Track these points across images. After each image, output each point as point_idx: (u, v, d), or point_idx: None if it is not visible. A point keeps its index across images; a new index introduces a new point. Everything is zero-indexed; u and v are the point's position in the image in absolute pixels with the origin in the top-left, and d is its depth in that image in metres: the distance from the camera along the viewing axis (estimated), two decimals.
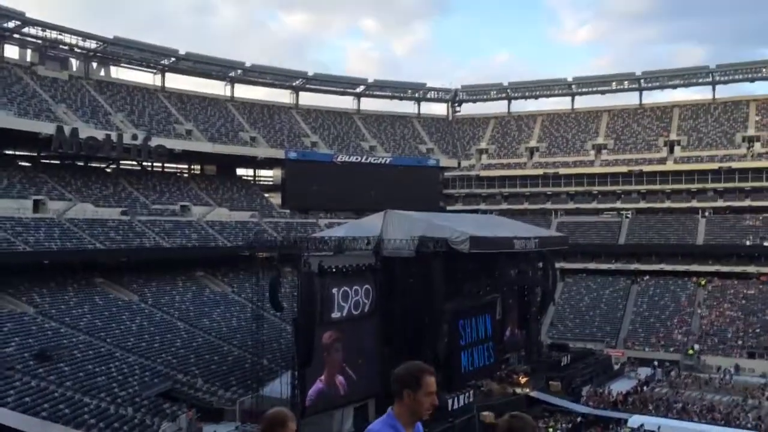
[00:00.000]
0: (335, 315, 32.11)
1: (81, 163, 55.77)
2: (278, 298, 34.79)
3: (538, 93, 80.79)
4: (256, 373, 36.39)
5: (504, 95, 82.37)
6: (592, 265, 63.47)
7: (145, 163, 60.05)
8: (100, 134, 51.70)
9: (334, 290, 31.97)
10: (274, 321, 43.89)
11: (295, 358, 31.98)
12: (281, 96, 78.29)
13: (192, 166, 66.83)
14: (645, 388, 43.73)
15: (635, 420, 35.84)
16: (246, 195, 65.89)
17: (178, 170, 65.79)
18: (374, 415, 33.29)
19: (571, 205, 70.09)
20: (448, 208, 71.44)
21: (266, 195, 68.57)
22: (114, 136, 52.40)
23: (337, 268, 32.19)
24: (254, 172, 72.34)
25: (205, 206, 59.38)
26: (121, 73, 65.40)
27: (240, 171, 70.55)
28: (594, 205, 69.31)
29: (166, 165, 63.01)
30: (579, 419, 36.90)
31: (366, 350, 33.83)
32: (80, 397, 31.97)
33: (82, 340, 37.74)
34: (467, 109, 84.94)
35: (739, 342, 51.08)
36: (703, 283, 59.11)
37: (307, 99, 78.68)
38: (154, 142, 55.01)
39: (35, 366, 33.13)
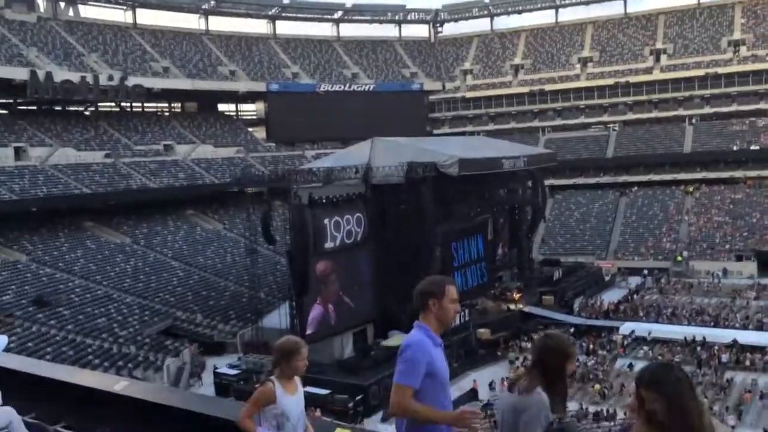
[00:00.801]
0: (328, 245, 32.28)
1: (59, 108, 54.64)
2: (270, 232, 34.89)
3: (520, 8, 78.93)
4: (254, 306, 36.90)
5: (486, 12, 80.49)
6: (581, 180, 63.73)
7: (123, 104, 58.92)
8: (75, 77, 50.48)
9: (326, 221, 32.03)
10: (267, 254, 44.16)
11: (291, 289, 32.38)
12: (258, 26, 76.26)
13: (172, 104, 65.63)
14: (635, 296, 44.69)
15: (626, 327, 36.84)
16: (230, 130, 65.07)
17: (159, 109, 64.64)
18: (372, 339, 34.05)
19: (558, 122, 69.75)
20: (435, 131, 71.00)
21: (250, 129, 67.74)
22: (90, 78, 51.21)
23: (327, 199, 32.16)
24: (236, 106, 71.17)
25: (189, 144, 58.69)
26: (89, 11, 63.45)
27: (222, 106, 69.39)
28: (581, 119, 68.97)
29: (145, 104, 61.84)
30: (572, 330, 37.84)
31: (361, 277, 34.24)
32: (82, 339, 32.45)
33: (78, 284, 37.98)
34: (449, 30, 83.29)
35: (727, 246, 51.96)
36: (691, 190, 59.62)
37: (285, 28, 76.86)
38: (131, 81, 53.83)
39: (34, 312, 33.44)
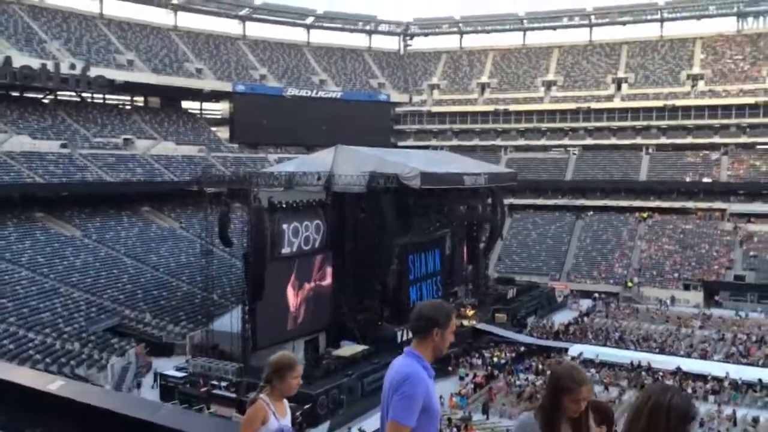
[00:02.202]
0: (285, 250, 32.05)
1: (16, 94, 53.12)
2: (228, 234, 34.45)
3: (489, 27, 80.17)
4: (206, 308, 36.30)
5: (456, 29, 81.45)
6: (539, 201, 64.72)
7: (84, 95, 57.59)
8: (35, 63, 49.25)
9: (285, 226, 31.81)
10: (223, 256, 43.61)
11: (245, 293, 31.97)
12: (228, 26, 75.60)
13: (134, 98, 64.44)
14: (585, 318, 45.44)
15: (575, 349, 37.37)
16: (192, 129, 64.21)
17: (120, 102, 63.36)
18: (324, 348, 33.82)
19: (520, 142, 70.76)
20: (399, 143, 71.25)
21: (214, 129, 66.94)
22: (50, 65, 50.01)
23: (287, 204, 31.95)
24: (201, 105, 70.27)
25: (150, 140, 57.70)
26: None
27: (186, 104, 68.42)
28: (543, 141, 70.11)
29: (107, 97, 60.57)
30: (522, 349, 38.25)
31: (317, 285, 34.02)
32: (24, 333, 31.47)
33: (25, 276, 36.86)
34: (419, 43, 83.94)
35: (676, 274, 53.28)
36: (644, 217, 61.04)
37: (255, 29, 76.36)
38: (94, 72, 52.71)
39: None
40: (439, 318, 3.39)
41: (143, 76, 58.51)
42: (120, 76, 55.86)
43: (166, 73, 61.00)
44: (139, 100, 64.86)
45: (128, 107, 63.48)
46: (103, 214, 48.23)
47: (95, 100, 59.85)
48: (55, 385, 4.41)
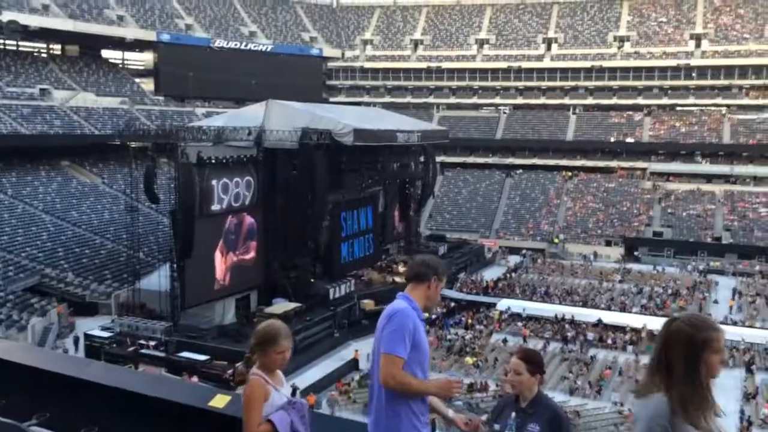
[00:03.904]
0: (215, 207, 31.32)
1: None
2: (154, 190, 33.27)
3: None
4: (132, 266, 35.23)
5: None
6: (470, 159, 65.50)
7: None
8: None
9: (214, 182, 31.03)
10: (149, 213, 42.29)
11: (173, 251, 31.17)
12: None
13: (51, 46, 60.73)
14: (513, 274, 46.70)
15: (503, 304, 38.45)
16: (114, 79, 61.34)
17: (36, 50, 59.69)
18: (256, 305, 33.53)
19: (452, 100, 71.08)
20: (331, 99, 70.35)
21: (137, 80, 64.09)
22: None
23: (216, 159, 31.12)
24: (123, 54, 66.92)
25: (68, 90, 54.80)
26: None
27: (106, 53, 65.04)
28: (474, 100, 70.64)
29: (20, 43, 56.88)
30: (453, 304, 39.01)
31: (247, 242, 33.51)
32: None
33: None
34: None
35: (599, 231, 55.26)
36: (570, 176, 62.76)
37: None
38: (6, 16, 49.33)
39: None
40: (438, 268, 3.56)
41: (60, 22, 55.13)
42: (34, 21, 52.42)
43: (84, 19, 57.69)
44: (56, 47, 61.21)
45: (44, 55, 59.87)
46: (19, 168, 45.76)
47: (8, 47, 56.14)
48: None
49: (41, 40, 58.21)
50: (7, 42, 55.10)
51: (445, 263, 3.71)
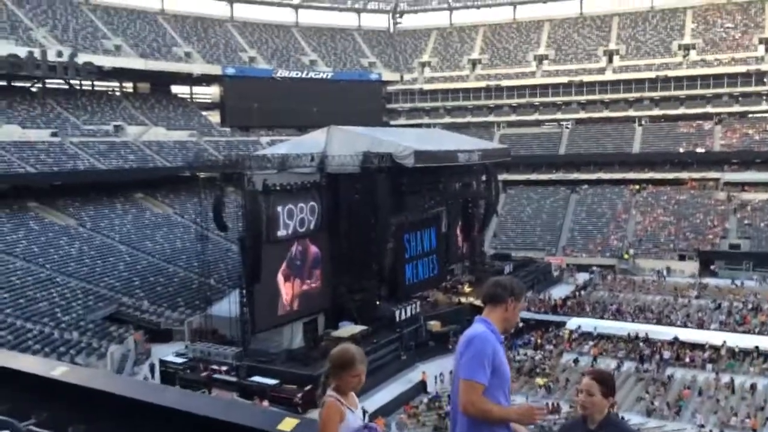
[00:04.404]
0: (281, 233, 31.97)
1: (4, 83, 52.54)
2: (222, 218, 34.30)
3: (479, 2, 79.50)
4: (203, 292, 36.29)
5: (446, 5, 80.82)
6: (533, 176, 64.68)
7: (73, 82, 56.97)
8: (21, 51, 48.64)
9: (279, 208, 31.70)
10: (219, 241, 43.48)
11: (242, 277, 31.94)
12: (215, 8, 74.69)
13: (123, 84, 63.84)
14: (582, 292, 45.64)
15: (573, 322, 37.59)
16: (183, 113, 63.74)
17: (110, 88, 62.77)
18: (323, 329, 33.91)
19: (513, 117, 70.59)
20: (392, 122, 70.96)
21: (204, 113, 66.40)
22: (37, 53, 49.42)
23: (281, 186, 31.81)
24: (190, 89, 69.63)
25: (141, 126, 57.26)
26: None
27: (175, 89, 67.81)
28: (535, 116, 69.96)
29: (96, 83, 59.96)
30: (521, 324, 38.38)
31: (313, 267, 34.00)
32: (22, 324, 31.39)
33: (20, 267, 36.68)
34: (409, 21, 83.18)
35: (671, 245, 53.46)
36: (638, 189, 61.12)
37: (243, 11, 75.49)
38: (82, 59, 52.15)
39: None
40: (515, 289, 3.50)
41: (131, 62, 57.93)
42: (108, 62, 55.29)
43: (154, 57, 60.41)
44: (128, 86, 64.27)
45: (117, 93, 62.92)
46: (97, 202, 47.99)
47: (84, 87, 59.25)
48: (58, 371, 4.36)
49: (115, 79, 61.21)
50: (83, 82, 58.12)
51: (520, 281, 3.68)
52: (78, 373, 4.67)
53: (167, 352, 32.27)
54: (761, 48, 63.18)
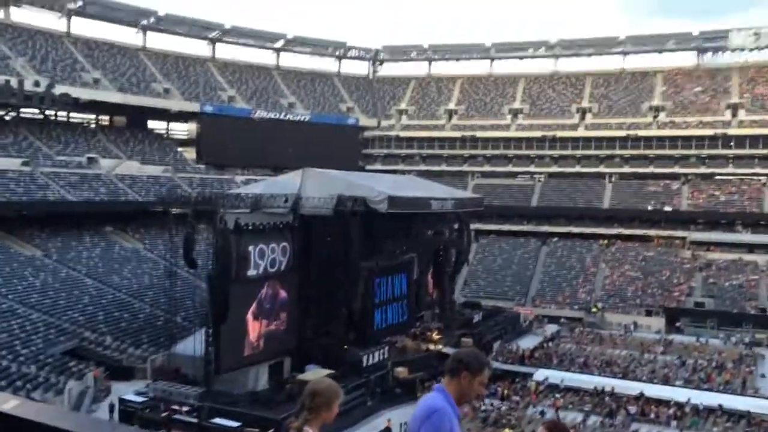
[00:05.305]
0: (251, 273, 31.71)
1: None
2: (192, 255, 33.93)
3: (458, 56, 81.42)
4: (169, 330, 35.68)
5: (424, 57, 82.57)
6: (505, 227, 65.36)
7: (48, 112, 56.65)
8: None
9: (251, 248, 31.51)
10: (187, 278, 42.97)
11: (209, 316, 31.49)
12: (197, 47, 75.32)
13: (100, 117, 63.63)
14: (550, 344, 45.75)
15: (541, 374, 37.58)
16: (158, 148, 63.56)
17: (85, 121, 62.50)
18: (289, 372, 33.43)
19: (487, 168, 71.66)
20: (367, 167, 71.50)
21: (180, 149, 66.34)
22: (14, 82, 49.22)
23: (254, 226, 31.70)
24: (167, 125, 69.65)
25: (115, 159, 56.90)
26: (21, 14, 61.10)
27: (152, 124, 67.75)
28: (509, 168, 71.09)
29: (71, 115, 59.68)
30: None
31: (282, 308, 33.70)
32: None
33: None
34: (388, 69, 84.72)
35: (638, 300, 54.12)
36: (607, 244, 62.04)
37: (225, 51, 76.23)
38: (59, 90, 52.04)
39: None
40: (471, 364, 3.58)
41: (109, 95, 57.90)
42: (85, 94, 55.18)
43: (132, 92, 60.46)
44: (105, 119, 64.07)
45: (93, 126, 62.64)
46: (65, 233, 47.24)
47: (59, 119, 58.91)
48: (9, 404, 4.27)
49: (91, 112, 61.04)
50: (59, 113, 57.82)
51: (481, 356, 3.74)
52: (30, 407, 4.57)
53: (128, 390, 31.43)
54: (728, 112, 65.44)
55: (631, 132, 66.25)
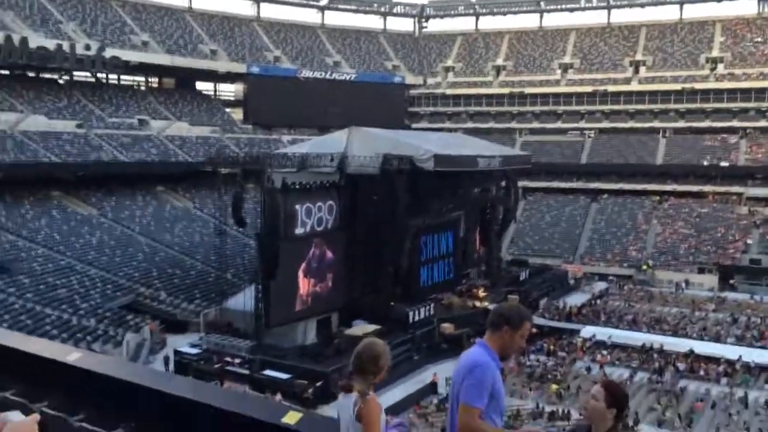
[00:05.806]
0: (298, 231, 32.20)
1: (32, 74, 53.47)
2: (241, 214, 34.64)
3: (506, 9, 79.35)
4: (220, 286, 36.66)
5: (472, 11, 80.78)
6: (554, 184, 64.32)
7: (99, 75, 57.85)
8: (51, 44, 49.45)
9: (298, 206, 31.92)
10: (237, 236, 43.88)
11: (258, 272, 32.21)
12: (242, 7, 75.59)
13: (149, 79, 64.64)
14: (598, 301, 45.32)
15: (588, 330, 37.41)
16: (206, 110, 64.36)
17: (135, 83, 63.59)
18: (336, 327, 34.11)
19: (535, 125, 70.32)
20: (414, 126, 71.00)
21: (227, 110, 67.06)
22: (66, 46, 50.22)
23: (300, 185, 32.03)
24: (215, 86, 70.31)
25: (164, 120, 57.93)
26: None
27: (200, 85, 68.51)
28: (558, 124, 69.61)
29: (122, 77, 60.77)
30: (534, 330, 38.25)
31: (329, 265, 34.19)
32: (41, 309, 31.95)
33: (41, 254, 37.35)
34: (434, 25, 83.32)
35: (690, 258, 52.93)
36: (659, 201, 60.59)
37: (269, 11, 76.16)
38: (109, 53, 52.89)
39: None
40: (512, 318, 3.61)
41: (158, 57, 58.64)
42: (135, 57, 56.03)
43: (180, 54, 61.08)
44: (154, 81, 65.07)
45: (143, 88, 63.72)
46: (119, 193, 48.64)
47: (110, 81, 60.13)
48: (72, 356, 4.50)
49: (141, 74, 62.00)
50: (110, 76, 58.94)
51: (524, 310, 3.77)
52: (92, 359, 4.82)
53: (182, 343, 32.64)
54: None
55: (687, 85, 63.83)
